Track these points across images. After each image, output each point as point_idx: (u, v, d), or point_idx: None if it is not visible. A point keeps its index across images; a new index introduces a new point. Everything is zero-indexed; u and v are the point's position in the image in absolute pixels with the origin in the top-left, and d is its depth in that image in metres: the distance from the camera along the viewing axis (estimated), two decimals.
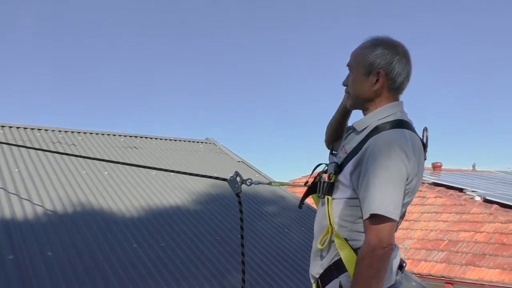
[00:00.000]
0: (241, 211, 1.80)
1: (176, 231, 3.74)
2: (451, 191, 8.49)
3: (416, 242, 7.12)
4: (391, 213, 1.30)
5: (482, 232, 6.60)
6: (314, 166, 1.66)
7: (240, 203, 1.80)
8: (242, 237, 1.79)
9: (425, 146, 1.48)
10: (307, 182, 1.71)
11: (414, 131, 1.45)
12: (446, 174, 10.32)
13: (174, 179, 4.92)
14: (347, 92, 1.56)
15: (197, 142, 6.40)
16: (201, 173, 5.30)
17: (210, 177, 2.03)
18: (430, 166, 11.55)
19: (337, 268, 1.43)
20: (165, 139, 6.16)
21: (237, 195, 1.81)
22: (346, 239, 1.42)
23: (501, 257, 5.87)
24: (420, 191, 9.23)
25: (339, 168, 1.46)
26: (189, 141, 6.32)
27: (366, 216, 1.33)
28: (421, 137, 1.48)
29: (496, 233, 6.45)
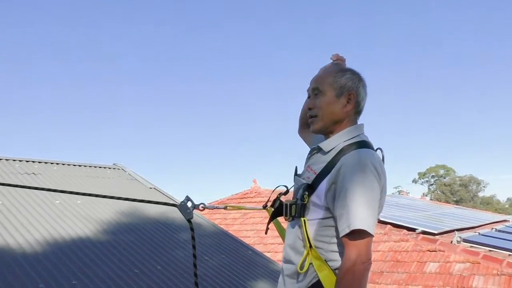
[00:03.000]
0: (193, 238, 1.67)
1: (89, 266, 3.41)
2: None
3: None
4: (370, 228, 1.34)
5: (379, 251, 7.17)
6: (274, 188, 1.68)
7: (192, 229, 1.70)
8: (195, 265, 1.69)
9: None
10: (265, 205, 1.69)
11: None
12: None
13: (81, 208, 4.51)
14: (313, 115, 1.55)
15: (104, 167, 5.99)
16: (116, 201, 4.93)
17: (158, 203, 1.89)
18: None
19: None
20: (68, 164, 5.65)
21: (189, 221, 1.70)
22: (325, 260, 1.42)
23: (397, 273, 6.42)
24: None
25: (311, 188, 1.45)
26: (94, 167, 5.89)
27: (345, 232, 1.34)
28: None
29: (391, 251, 7.05)
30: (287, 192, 1.69)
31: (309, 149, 1.64)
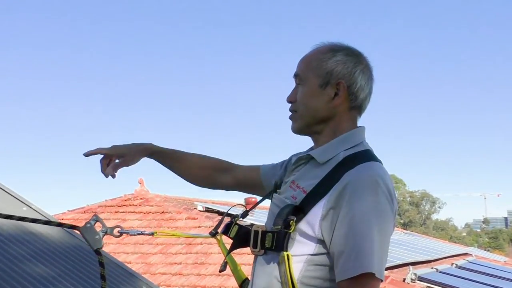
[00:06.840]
0: (103, 277, 1.26)
1: None
2: None
3: None
4: (380, 272, 1.08)
5: None
6: (228, 208, 1.57)
7: (101, 264, 1.25)
8: None
9: None
10: (215, 231, 1.34)
11: None
12: (260, 212, 10.12)
13: None
14: (293, 110, 1.26)
15: None
16: None
17: (49, 223, 1.66)
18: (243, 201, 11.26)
19: None
20: None
21: (97, 252, 1.22)
22: None
23: None
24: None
25: (300, 212, 1.12)
26: None
27: (349, 275, 1.06)
28: None
29: None
30: (246, 214, 1.41)
31: (295, 158, 1.28)
